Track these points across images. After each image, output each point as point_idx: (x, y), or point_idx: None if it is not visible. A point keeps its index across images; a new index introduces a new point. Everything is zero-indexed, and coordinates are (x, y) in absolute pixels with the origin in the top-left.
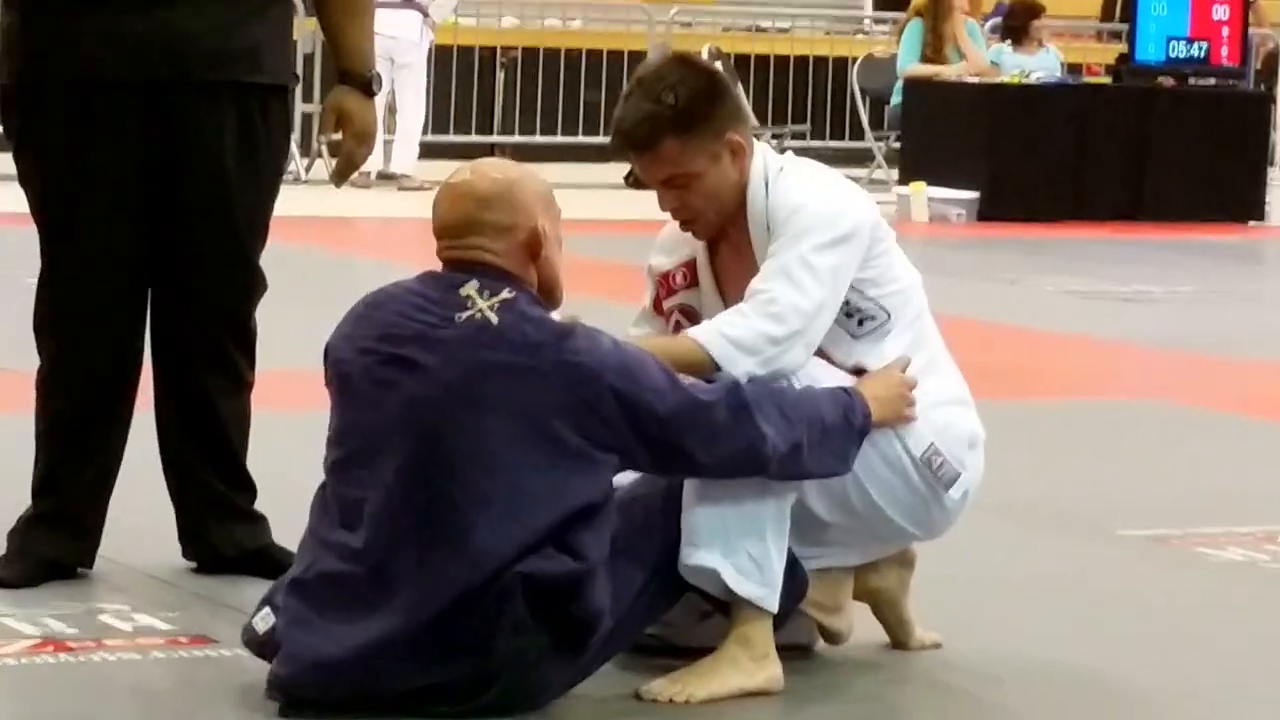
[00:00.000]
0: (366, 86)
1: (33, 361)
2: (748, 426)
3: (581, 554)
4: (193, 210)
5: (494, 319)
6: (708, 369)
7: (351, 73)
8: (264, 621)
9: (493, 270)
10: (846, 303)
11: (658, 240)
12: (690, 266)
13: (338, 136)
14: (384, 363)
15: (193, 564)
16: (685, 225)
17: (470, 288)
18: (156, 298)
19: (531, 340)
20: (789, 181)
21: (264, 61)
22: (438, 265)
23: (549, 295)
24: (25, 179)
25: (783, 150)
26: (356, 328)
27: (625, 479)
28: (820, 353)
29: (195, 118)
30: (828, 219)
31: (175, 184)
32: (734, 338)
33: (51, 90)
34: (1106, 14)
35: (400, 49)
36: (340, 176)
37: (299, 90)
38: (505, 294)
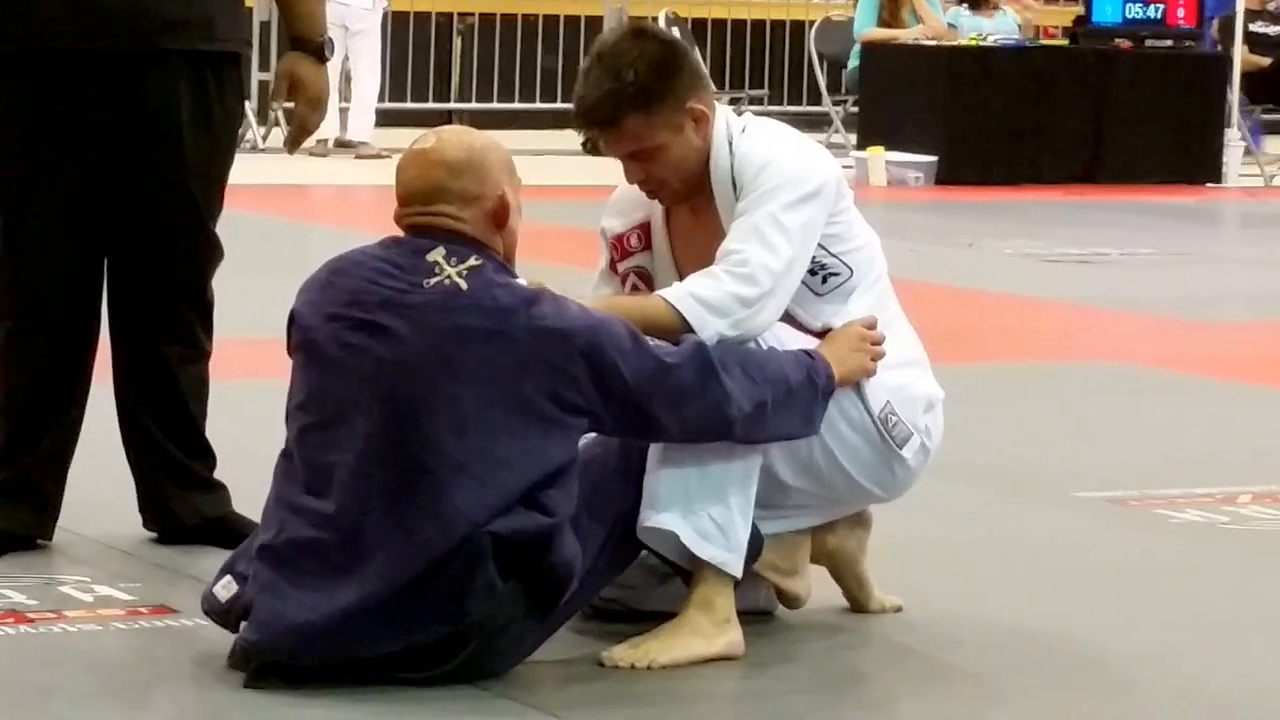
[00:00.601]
0: (318, 52)
1: None
2: (713, 386)
3: (550, 510)
4: (149, 179)
5: (463, 284)
6: (678, 330)
7: (303, 38)
8: (225, 590)
9: (459, 237)
10: (811, 259)
11: (609, 201)
12: (644, 229)
13: (291, 104)
14: (353, 328)
15: (153, 534)
16: (652, 194)
17: (437, 254)
18: (113, 267)
19: (501, 305)
20: (752, 140)
21: (217, 29)
22: (396, 232)
23: (510, 263)
24: None
25: (740, 115)
26: (322, 294)
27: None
28: (785, 313)
29: (151, 86)
30: (796, 175)
31: (131, 153)
32: (705, 299)
33: (8, 62)
34: None
35: (353, 16)
36: (293, 143)
37: (255, 58)
38: (473, 260)
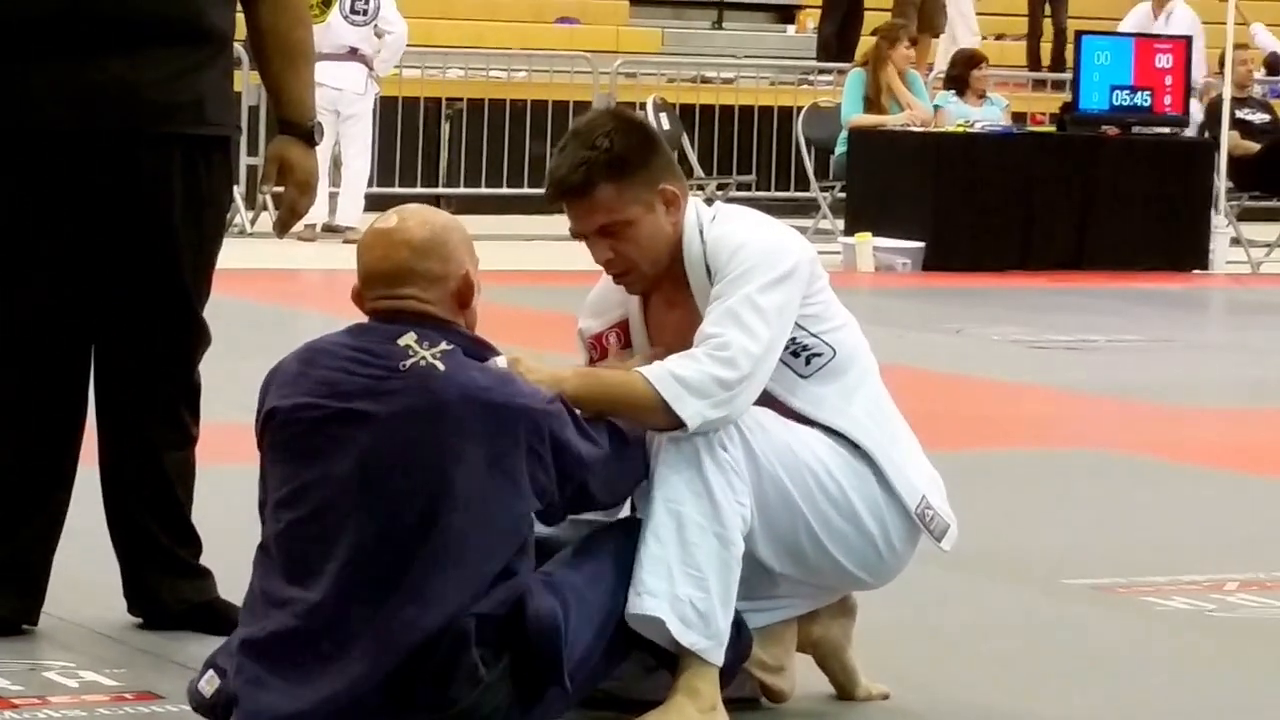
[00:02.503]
0: (308, 136)
1: None
2: (632, 459)
3: (518, 573)
4: (138, 262)
5: (440, 365)
6: (655, 408)
7: (292, 123)
8: (209, 684)
9: (427, 319)
10: (792, 341)
11: (586, 303)
12: (623, 328)
13: (280, 189)
14: (333, 418)
15: (138, 619)
16: (619, 278)
17: (409, 338)
18: (100, 351)
19: (479, 384)
20: (723, 226)
21: (208, 112)
22: None
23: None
24: None
25: (728, 200)
26: (296, 387)
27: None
28: (773, 400)
29: (142, 169)
30: (769, 257)
31: (120, 236)
32: (684, 378)
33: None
34: (1032, 63)
35: (345, 100)
36: (283, 227)
37: (244, 142)
38: (444, 345)
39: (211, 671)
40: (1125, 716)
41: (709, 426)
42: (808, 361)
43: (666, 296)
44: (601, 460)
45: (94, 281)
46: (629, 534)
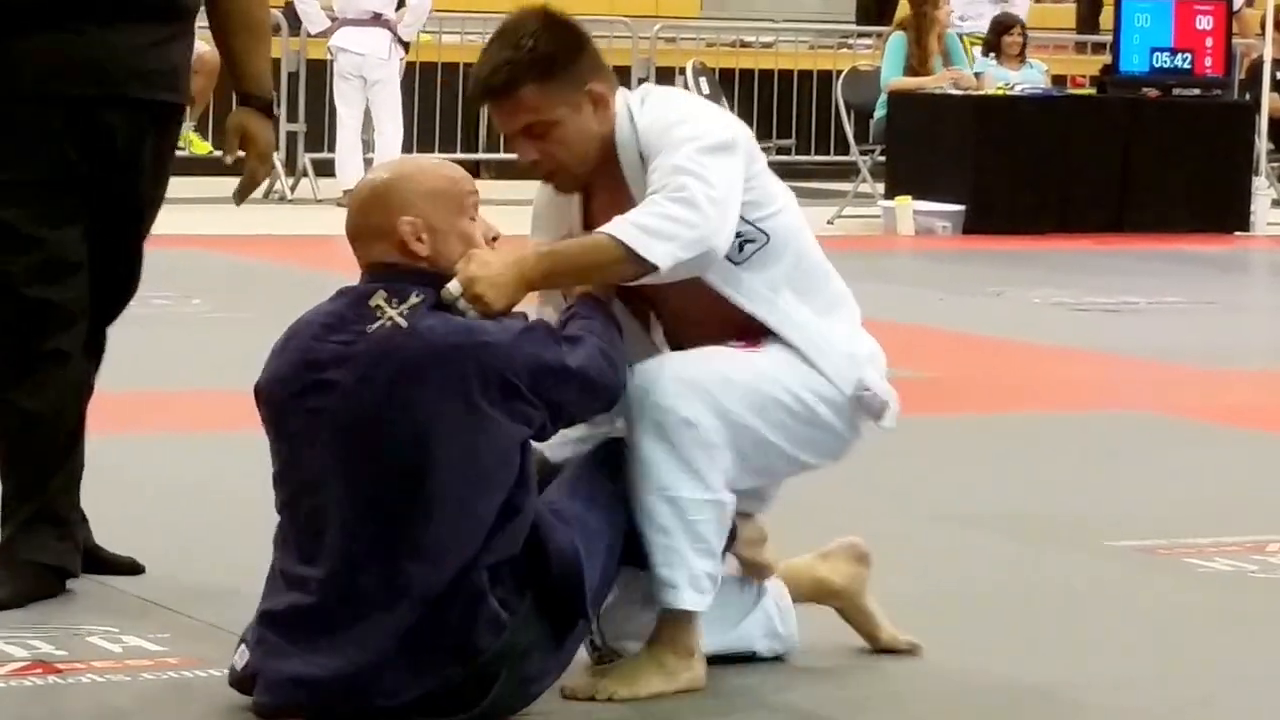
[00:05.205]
0: (267, 109)
1: None
2: (614, 375)
3: (520, 508)
4: (110, 221)
5: (403, 323)
6: (624, 258)
7: (252, 95)
8: (241, 659)
9: (393, 270)
10: None
11: (532, 217)
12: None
13: (242, 154)
14: (308, 391)
15: (182, 585)
16: (547, 178)
17: (379, 298)
18: None
19: (439, 333)
20: (653, 110)
21: (178, 82)
22: None
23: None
24: None
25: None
26: (279, 363)
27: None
28: (706, 286)
29: (121, 133)
30: (705, 128)
31: (98, 195)
32: (645, 225)
33: None
34: (1082, 25)
35: (369, 66)
36: (242, 194)
37: (284, 109)
38: (414, 299)
39: (244, 647)
40: (1168, 678)
41: (684, 269)
42: (740, 248)
43: (606, 199)
44: (587, 370)
45: (79, 238)
46: (618, 455)
